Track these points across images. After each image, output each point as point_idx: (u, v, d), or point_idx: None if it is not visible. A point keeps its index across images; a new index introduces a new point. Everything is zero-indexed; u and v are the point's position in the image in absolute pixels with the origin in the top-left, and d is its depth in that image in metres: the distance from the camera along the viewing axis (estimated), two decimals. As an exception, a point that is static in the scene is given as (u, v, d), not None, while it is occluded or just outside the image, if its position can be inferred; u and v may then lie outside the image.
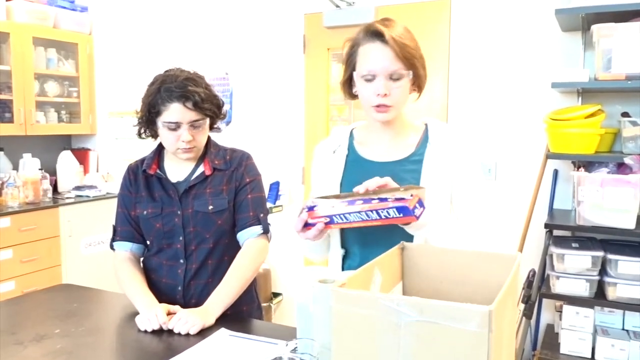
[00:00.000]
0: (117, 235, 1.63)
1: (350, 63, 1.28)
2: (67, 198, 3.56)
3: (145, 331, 1.35)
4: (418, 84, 1.28)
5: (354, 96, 1.32)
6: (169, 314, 1.39)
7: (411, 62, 1.21)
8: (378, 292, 0.87)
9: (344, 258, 1.37)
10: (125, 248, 1.61)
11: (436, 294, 0.95)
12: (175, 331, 1.33)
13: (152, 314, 1.37)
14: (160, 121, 1.48)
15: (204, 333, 1.33)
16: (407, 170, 1.29)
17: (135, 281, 1.53)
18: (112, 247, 1.65)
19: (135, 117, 1.56)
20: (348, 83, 1.31)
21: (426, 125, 1.35)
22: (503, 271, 0.91)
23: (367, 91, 1.24)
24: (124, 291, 1.55)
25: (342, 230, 1.36)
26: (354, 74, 1.27)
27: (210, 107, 1.50)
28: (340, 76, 1.33)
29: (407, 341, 0.68)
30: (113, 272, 1.61)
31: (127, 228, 1.61)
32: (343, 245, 1.37)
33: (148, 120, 1.51)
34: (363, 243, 1.32)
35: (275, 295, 3.36)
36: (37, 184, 3.40)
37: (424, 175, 1.26)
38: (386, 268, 0.96)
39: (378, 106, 1.23)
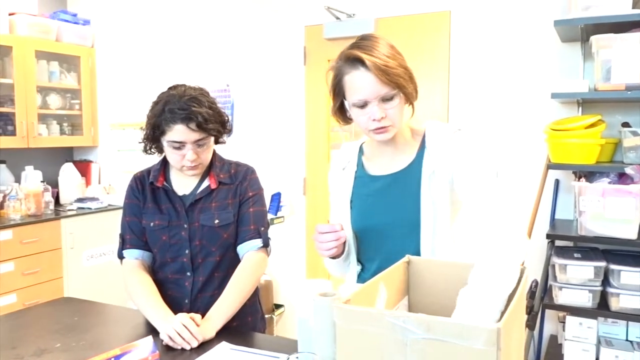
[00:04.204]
0: (127, 243, 1.59)
1: (338, 92, 1.26)
2: (69, 210, 3.55)
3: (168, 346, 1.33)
4: (409, 99, 1.26)
5: (348, 120, 1.31)
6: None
7: (397, 82, 1.18)
8: (383, 309, 0.86)
9: (359, 272, 1.38)
10: (136, 256, 1.58)
11: (442, 308, 0.94)
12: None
13: (171, 330, 1.33)
14: (165, 140, 1.48)
15: (204, 347, 1.32)
16: (406, 180, 1.28)
17: (147, 292, 1.50)
18: (120, 256, 1.61)
19: (140, 130, 1.56)
20: (340, 110, 1.30)
21: (425, 130, 1.33)
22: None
23: (363, 117, 1.22)
24: (134, 302, 1.52)
25: (357, 245, 1.37)
26: (345, 102, 1.25)
27: (214, 127, 1.48)
28: (330, 105, 1.32)
29: (413, 359, 0.67)
30: (122, 282, 1.57)
31: (137, 236, 1.59)
32: (359, 261, 1.38)
33: (153, 139, 1.51)
34: (378, 257, 1.32)
35: (277, 306, 3.35)
36: (39, 196, 3.40)
37: (423, 182, 1.26)
38: (391, 283, 0.96)
39: (376, 129, 1.22)
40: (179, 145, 1.46)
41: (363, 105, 1.20)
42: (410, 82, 1.23)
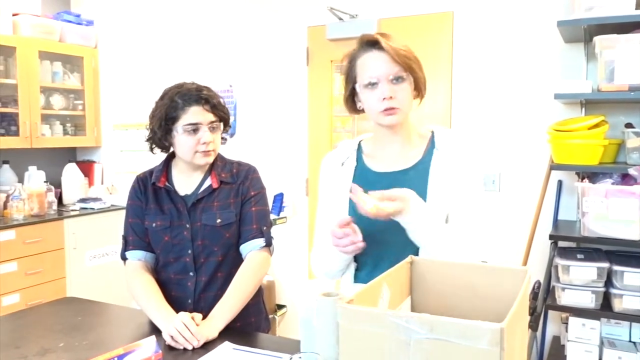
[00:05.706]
0: (130, 244, 1.60)
1: (350, 77, 1.30)
2: (72, 210, 3.56)
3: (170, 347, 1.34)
4: (419, 87, 1.29)
5: (358, 111, 1.34)
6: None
7: (408, 64, 1.24)
8: (387, 309, 0.86)
9: (355, 270, 1.37)
10: (139, 257, 1.59)
11: (445, 309, 0.94)
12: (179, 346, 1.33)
13: (172, 329, 1.34)
14: (180, 126, 1.49)
15: (207, 347, 1.32)
16: (414, 178, 1.28)
17: (149, 293, 1.51)
18: (123, 257, 1.61)
19: (145, 129, 1.57)
20: (351, 98, 1.33)
21: (432, 132, 1.35)
22: (513, 285, 0.91)
23: (372, 98, 1.25)
24: (137, 303, 1.53)
25: None
26: (356, 85, 1.28)
27: (225, 112, 1.56)
28: (342, 93, 1.35)
29: (416, 359, 0.67)
30: (125, 283, 1.58)
31: (139, 237, 1.59)
32: (355, 259, 1.37)
33: (165, 130, 1.51)
34: (374, 255, 1.31)
35: (280, 307, 3.35)
36: (42, 196, 3.41)
37: (430, 183, 1.26)
38: (394, 283, 0.95)
39: (385, 110, 1.24)
40: (195, 127, 1.49)
41: (373, 85, 1.24)
42: (420, 70, 1.28)
